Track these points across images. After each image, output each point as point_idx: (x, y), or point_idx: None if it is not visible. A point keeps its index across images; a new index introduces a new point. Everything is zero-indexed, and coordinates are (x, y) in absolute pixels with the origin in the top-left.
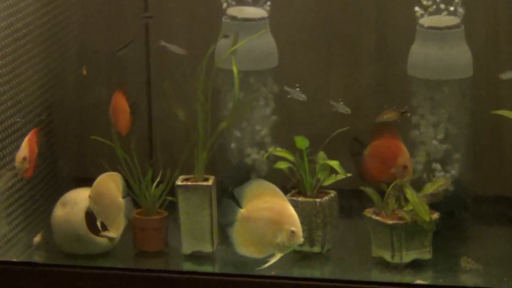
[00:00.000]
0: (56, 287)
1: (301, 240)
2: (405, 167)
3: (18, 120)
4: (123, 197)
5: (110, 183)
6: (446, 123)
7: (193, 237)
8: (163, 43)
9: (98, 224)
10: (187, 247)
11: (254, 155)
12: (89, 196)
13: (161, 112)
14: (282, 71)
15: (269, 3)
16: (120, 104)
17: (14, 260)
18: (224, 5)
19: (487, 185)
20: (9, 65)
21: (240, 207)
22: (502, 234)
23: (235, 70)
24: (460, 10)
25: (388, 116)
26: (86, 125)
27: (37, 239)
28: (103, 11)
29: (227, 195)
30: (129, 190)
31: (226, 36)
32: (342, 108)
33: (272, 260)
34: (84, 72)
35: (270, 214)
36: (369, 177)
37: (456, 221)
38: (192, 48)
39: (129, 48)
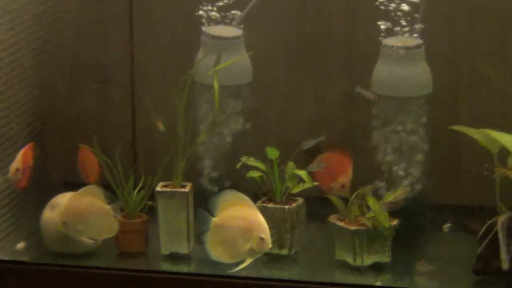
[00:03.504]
0: (43, 284)
1: (270, 246)
2: (343, 186)
3: (12, 128)
4: (109, 203)
5: (85, 199)
6: (407, 136)
7: (171, 239)
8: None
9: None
10: (165, 248)
11: (228, 164)
12: (64, 223)
13: (144, 121)
14: (257, 86)
15: (242, 26)
16: (90, 159)
17: (4, 258)
18: (203, 24)
19: (445, 194)
20: (4, 77)
21: (213, 216)
22: (456, 240)
23: (216, 86)
24: (419, 27)
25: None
26: (75, 132)
27: (20, 246)
28: (92, 27)
29: (204, 200)
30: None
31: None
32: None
33: (243, 265)
34: (160, 127)
35: (241, 222)
36: (313, 178)
37: (414, 227)
38: (174, 63)
39: (102, 83)
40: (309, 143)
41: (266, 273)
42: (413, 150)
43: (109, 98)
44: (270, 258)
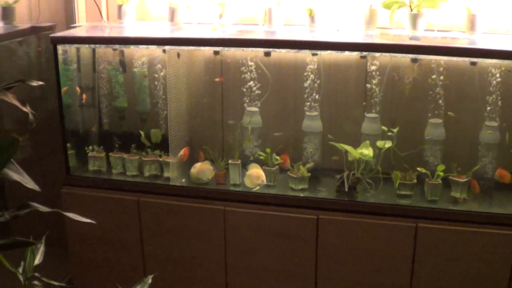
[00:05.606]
0: (191, 194)
1: (265, 182)
2: (287, 163)
3: (187, 138)
4: (212, 165)
5: (204, 165)
6: (312, 145)
7: (234, 178)
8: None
9: (204, 178)
10: (232, 181)
11: (253, 153)
12: (196, 172)
13: (227, 133)
14: (264, 127)
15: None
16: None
17: (177, 184)
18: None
19: (331, 164)
20: (179, 119)
21: (247, 171)
22: (334, 181)
23: (249, 126)
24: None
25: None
26: (201, 141)
27: (183, 180)
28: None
29: (245, 166)
30: (214, 163)
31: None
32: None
33: (256, 188)
34: (219, 79)
35: (256, 173)
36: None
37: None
38: (238, 116)
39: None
40: (279, 148)
41: (264, 190)
42: (314, 151)
43: (214, 122)
44: (266, 186)
